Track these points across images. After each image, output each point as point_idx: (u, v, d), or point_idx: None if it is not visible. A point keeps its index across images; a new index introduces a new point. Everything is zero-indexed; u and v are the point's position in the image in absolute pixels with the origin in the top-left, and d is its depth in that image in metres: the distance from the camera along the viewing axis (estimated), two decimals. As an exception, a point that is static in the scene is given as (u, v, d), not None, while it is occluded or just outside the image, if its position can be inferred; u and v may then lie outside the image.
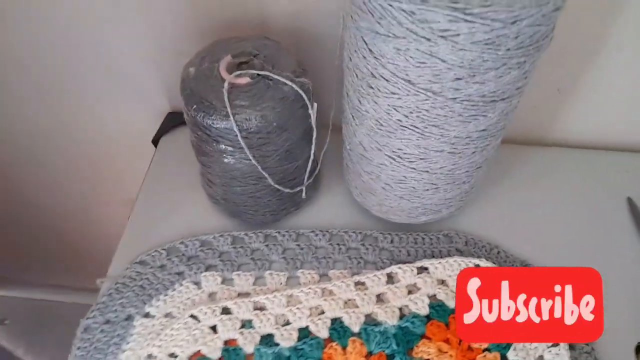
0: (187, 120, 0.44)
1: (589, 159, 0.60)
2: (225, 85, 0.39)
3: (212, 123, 0.40)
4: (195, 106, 0.41)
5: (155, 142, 0.61)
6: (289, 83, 0.40)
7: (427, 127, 0.36)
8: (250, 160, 0.42)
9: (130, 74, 0.61)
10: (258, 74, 0.41)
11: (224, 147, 0.42)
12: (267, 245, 0.52)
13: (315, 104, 0.43)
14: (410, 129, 0.37)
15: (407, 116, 0.36)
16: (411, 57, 0.32)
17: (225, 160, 0.44)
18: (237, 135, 0.40)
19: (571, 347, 0.44)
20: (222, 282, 0.50)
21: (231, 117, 0.39)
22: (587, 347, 0.44)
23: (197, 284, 0.50)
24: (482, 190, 0.55)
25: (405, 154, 0.40)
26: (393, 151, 0.40)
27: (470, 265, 0.49)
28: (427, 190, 0.44)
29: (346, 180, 0.53)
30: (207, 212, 0.55)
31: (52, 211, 0.83)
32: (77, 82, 0.62)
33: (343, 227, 0.53)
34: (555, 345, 0.43)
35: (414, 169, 0.41)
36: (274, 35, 0.48)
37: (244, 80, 0.41)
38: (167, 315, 0.48)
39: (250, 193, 0.47)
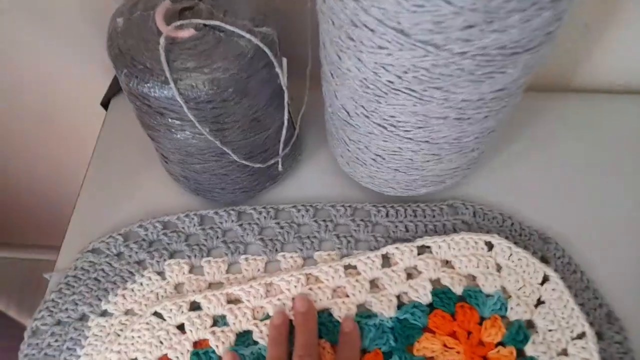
0: (123, 88, 0.35)
1: (622, 107, 0.51)
2: (162, 41, 0.31)
3: (150, 92, 0.32)
4: (125, 70, 0.32)
5: (105, 104, 0.52)
6: (247, 35, 0.31)
7: (426, 90, 0.28)
8: (204, 134, 0.34)
9: (69, 22, 0.51)
10: (205, 25, 0.32)
11: (170, 120, 0.34)
12: (241, 225, 0.45)
13: (284, 60, 0.34)
14: (404, 92, 0.29)
15: (400, 77, 0.27)
16: (404, -3, 0.23)
17: (176, 135, 0.36)
18: (182, 107, 0.32)
19: (599, 337, 0.39)
20: (190, 271, 0.44)
21: (172, 84, 0.30)
22: (619, 335, 0.39)
23: (161, 274, 0.44)
24: (492, 150, 0.47)
25: (399, 122, 0.32)
26: (384, 119, 0.32)
27: (480, 242, 0.42)
28: (428, 161, 0.36)
29: (331, 147, 0.45)
30: (169, 188, 0.47)
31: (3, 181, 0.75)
32: (14, 37, 0.53)
33: (330, 200, 0.46)
34: (581, 337, 0.38)
35: (410, 139, 0.33)
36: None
37: (187, 32, 0.32)
38: (127, 312, 0.42)
39: (212, 171, 0.40)
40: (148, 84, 0.32)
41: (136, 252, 0.44)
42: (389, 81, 0.28)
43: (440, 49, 0.25)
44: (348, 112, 0.34)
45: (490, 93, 0.29)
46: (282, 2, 0.41)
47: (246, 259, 0.44)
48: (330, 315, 0.40)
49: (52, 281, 0.44)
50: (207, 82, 0.32)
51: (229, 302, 0.42)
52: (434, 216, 0.45)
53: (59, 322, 0.42)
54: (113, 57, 0.33)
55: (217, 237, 0.45)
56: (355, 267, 0.43)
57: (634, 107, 0.51)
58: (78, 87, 0.57)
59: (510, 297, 0.40)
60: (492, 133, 0.36)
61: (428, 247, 0.43)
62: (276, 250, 0.44)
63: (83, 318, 0.42)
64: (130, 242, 0.45)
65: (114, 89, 0.53)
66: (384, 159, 0.37)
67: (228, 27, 0.31)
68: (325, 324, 0.40)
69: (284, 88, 0.35)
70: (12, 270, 1.15)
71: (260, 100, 0.36)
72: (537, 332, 0.39)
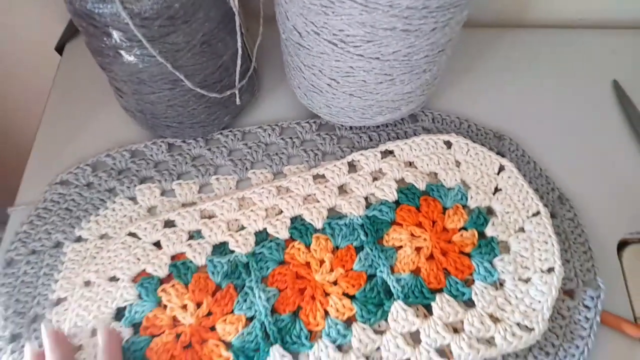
0: (68, 9, 0.36)
1: (572, 40, 0.55)
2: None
3: (93, 8, 0.33)
4: None
5: (60, 49, 0.53)
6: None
7: None
8: (155, 56, 0.36)
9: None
10: None
11: (118, 40, 0.35)
12: (209, 150, 0.47)
13: None
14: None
15: None
16: None
17: (125, 58, 0.37)
18: (128, 23, 0.33)
19: (553, 216, 0.42)
20: (162, 194, 0.45)
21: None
22: (570, 213, 0.43)
23: (133, 199, 0.45)
24: (449, 77, 0.50)
25: (348, 36, 0.34)
26: (334, 34, 0.34)
27: (439, 142, 0.46)
28: (381, 83, 0.39)
29: (288, 79, 0.47)
30: (128, 126, 0.48)
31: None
32: None
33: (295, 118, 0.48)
34: (536, 214, 0.42)
35: (361, 55, 0.35)
36: None
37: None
38: (102, 237, 0.43)
39: (167, 102, 0.41)
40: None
41: (106, 181, 0.45)
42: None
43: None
44: (299, 33, 0.36)
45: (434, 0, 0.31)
46: None
47: (217, 179, 0.46)
48: (303, 220, 0.43)
49: (16, 215, 0.44)
50: (151, -5, 0.33)
51: (203, 217, 0.43)
52: (395, 125, 0.48)
53: (33, 252, 0.43)
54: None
55: (187, 163, 0.47)
56: (323, 176, 0.45)
57: (581, 40, 0.55)
58: (31, 32, 0.57)
59: (469, 188, 0.43)
60: (442, 53, 0.39)
61: (391, 151, 0.46)
62: (246, 168, 0.46)
63: (58, 245, 0.43)
64: (99, 171, 0.46)
65: (68, 34, 0.54)
66: (338, 82, 0.39)
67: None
68: (298, 228, 0.42)
69: (235, 10, 0.37)
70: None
71: (211, 22, 0.38)
72: (495, 215, 0.42)
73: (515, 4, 0.55)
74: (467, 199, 0.43)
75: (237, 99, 0.45)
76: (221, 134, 0.48)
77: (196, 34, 0.38)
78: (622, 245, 0.43)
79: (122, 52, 0.38)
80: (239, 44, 0.41)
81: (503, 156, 0.45)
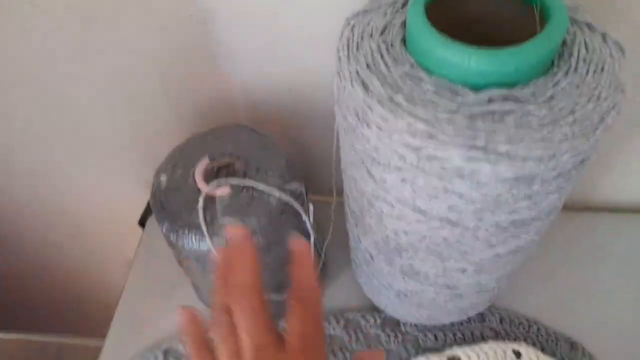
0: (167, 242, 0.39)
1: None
2: (201, 201, 0.34)
3: (187, 245, 0.36)
4: (167, 224, 0.36)
5: (143, 223, 0.56)
6: (276, 194, 0.35)
7: (444, 251, 0.31)
8: None
9: (114, 152, 0.56)
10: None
11: (205, 266, 0.37)
12: (275, 336, 0.48)
13: (311, 207, 0.37)
14: (423, 251, 0.31)
15: (419, 240, 0.30)
16: (420, 188, 0.26)
17: (210, 276, 0.39)
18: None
19: None
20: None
21: (208, 240, 0.34)
22: None
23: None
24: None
25: (420, 271, 0.35)
26: (405, 268, 0.35)
27: (508, 351, 0.44)
28: (449, 301, 0.39)
29: (354, 274, 0.47)
30: (200, 305, 0.50)
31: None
32: (62, 162, 0.58)
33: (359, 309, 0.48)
34: None
35: (431, 285, 0.36)
36: (262, 112, 0.43)
37: (224, 190, 0.36)
38: None
39: None
40: (186, 239, 0.35)
41: (175, 369, 0.47)
42: (409, 242, 0.31)
43: (455, 225, 0.27)
44: (371, 256, 0.37)
45: (505, 252, 0.31)
46: (311, 133, 0.45)
47: (281, 373, 0.46)
48: None
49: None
50: (240, 236, 0.35)
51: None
52: (461, 324, 0.47)
53: None
54: (156, 212, 0.37)
55: (252, 350, 0.47)
56: (388, 382, 0.44)
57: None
58: (114, 203, 0.61)
59: (541, 409, 0.41)
60: (511, 274, 0.38)
61: (458, 357, 0.44)
62: (310, 362, 0.46)
63: None
64: (170, 357, 0.48)
65: (151, 210, 0.58)
66: (407, 296, 0.39)
67: (260, 187, 0.35)
68: None
69: (310, 231, 0.38)
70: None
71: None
72: None
73: (580, 187, 0.54)
74: (538, 422, 0.41)
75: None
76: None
77: (275, 257, 0.39)
78: None
79: (207, 271, 0.40)
80: (311, 252, 0.42)
81: (576, 369, 0.43)
